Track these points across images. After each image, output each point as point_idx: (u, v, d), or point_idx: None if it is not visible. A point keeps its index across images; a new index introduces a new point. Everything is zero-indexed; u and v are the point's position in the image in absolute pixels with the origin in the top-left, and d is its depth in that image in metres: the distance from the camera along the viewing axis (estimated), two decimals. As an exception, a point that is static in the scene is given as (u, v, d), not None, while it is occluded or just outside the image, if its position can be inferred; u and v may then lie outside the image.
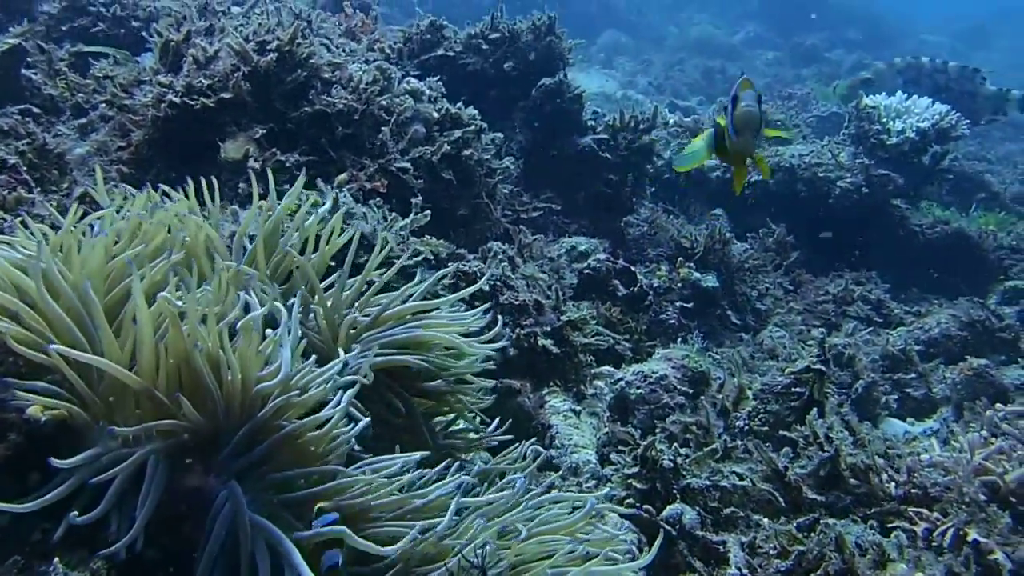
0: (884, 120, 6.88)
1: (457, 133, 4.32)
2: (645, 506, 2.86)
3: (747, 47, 18.78)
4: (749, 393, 3.60)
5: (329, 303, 2.36)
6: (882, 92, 7.46)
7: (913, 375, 4.89)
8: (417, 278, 2.56)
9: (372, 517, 1.88)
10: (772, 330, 5.31)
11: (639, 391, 3.76)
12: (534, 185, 5.75)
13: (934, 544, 2.71)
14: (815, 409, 3.25)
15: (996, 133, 12.50)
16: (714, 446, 3.13)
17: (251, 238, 2.42)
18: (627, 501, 2.91)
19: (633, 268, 4.90)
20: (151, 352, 1.75)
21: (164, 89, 3.65)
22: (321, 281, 2.42)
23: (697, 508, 2.88)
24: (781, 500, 2.95)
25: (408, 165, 3.97)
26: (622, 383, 3.81)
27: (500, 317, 2.72)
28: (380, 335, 2.35)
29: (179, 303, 1.79)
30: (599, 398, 3.89)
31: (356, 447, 1.96)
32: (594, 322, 4.15)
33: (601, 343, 4.08)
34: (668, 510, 2.86)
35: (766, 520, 2.87)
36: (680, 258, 5.41)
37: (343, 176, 3.64)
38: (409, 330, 2.38)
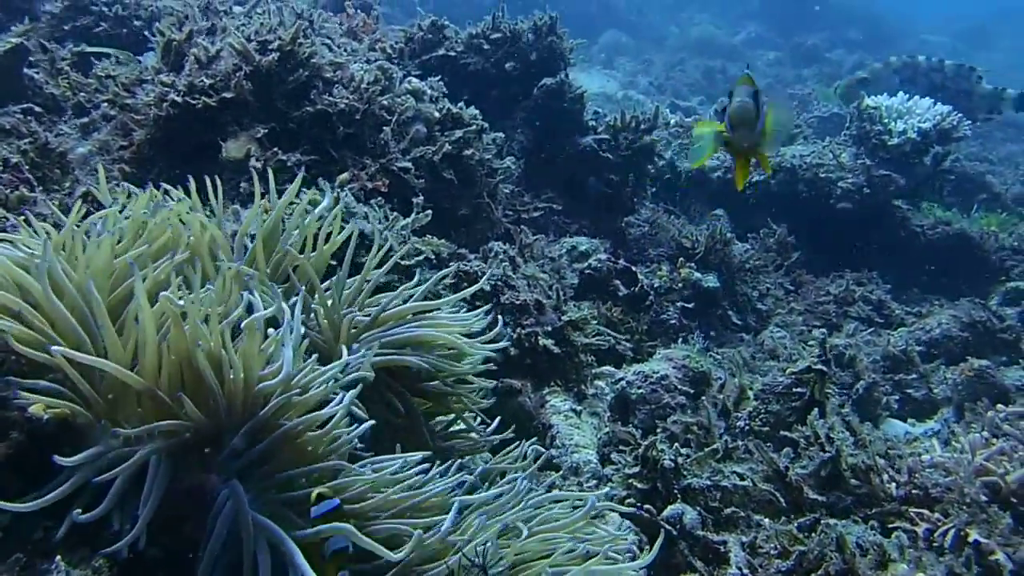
0: (886, 121, 6.88)
1: (458, 133, 4.32)
2: (646, 506, 2.86)
3: (748, 47, 18.77)
4: (750, 393, 3.60)
5: (329, 302, 2.36)
6: (879, 91, 7.46)
7: (914, 376, 4.89)
8: (416, 278, 2.56)
9: (372, 515, 1.88)
10: (773, 330, 5.31)
11: (640, 391, 3.76)
12: (535, 185, 5.75)
13: (935, 545, 2.71)
14: (816, 409, 3.26)
15: (998, 134, 12.50)
16: (715, 446, 3.13)
17: (252, 237, 2.42)
18: (628, 501, 2.91)
19: (634, 268, 4.90)
20: (153, 352, 1.75)
21: (166, 88, 3.66)
22: (323, 279, 2.43)
23: (698, 508, 2.89)
24: (782, 500, 2.96)
25: (409, 165, 3.98)
26: (623, 383, 3.81)
27: (501, 317, 2.72)
28: (381, 334, 2.35)
29: (180, 303, 1.79)
30: (600, 398, 3.89)
31: (359, 444, 1.96)
32: (595, 322, 4.15)
33: (602, 343, 4.08)
34: (669, 510, 2.86)
35: (767, 520, 2.88)
36: (681, 258, 5.42)
37: (345, 176, 3.64)
38: (410, 330, 2.38)
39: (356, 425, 1.96)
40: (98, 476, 1.67)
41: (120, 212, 2.24)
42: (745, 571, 2.66)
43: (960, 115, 7.02)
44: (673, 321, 4.98)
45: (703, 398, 3.65)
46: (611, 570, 2.00)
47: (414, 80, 4.47)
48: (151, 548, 1.67)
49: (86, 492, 1.68)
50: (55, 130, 3.74)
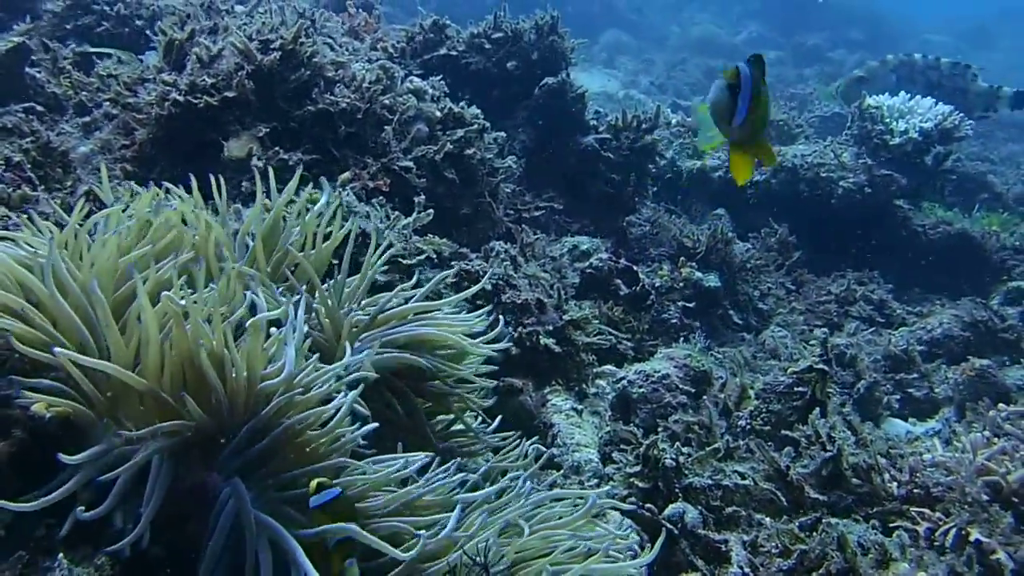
0: (887, 120, 6.88)
1: (460, 132, 4.32)
2: (647, 505, 2.87)
3: (749, 47, 18.72)
4: (751, 393, 3.60)
5: (330, 301, 2.36)
6: (876, 90, 7.46)
7: (915, 375, 4.89)
8: (415, 278, 2.56)
9: (374, 514, 1.88)
10: (774, 330, 5.31)
11: (641, 390, 3.76)
12: (536, 184, 5.75)
13: (936, 544, 2.72)
14: (817, 409, 3.25)
15: (999, 133, 12.49)
16: (716, 445, 3.13)
17: (253, 236, 2.43)
18: (629, 500, 2.91)
19: (635, 267, 4.91)
20: (156, 352, 1.75)
21: (168, 87, 3.66)
22: (324, 278, 2.43)
23: (699, 507, 2.89)
24: (783, 499, 2.96)
25: (411, 164, 3.98)
26: (624, 382, 3.82)
27: (502, 317, 2.72)
28: (383, 333, 2.35)
29: (182, 302, 1.79)
30: (601, 397, 3.89)
31: (362, 441, 1.96)
32: (596, 321, 4.14)
33: (603, 342, 4.08)
34: (670, 509, 2.86)
35: (768, 519, 2.88)
36: (682, 258, 5.42)
37: (346, 175, 3.64)
38: (412, 329, 2.38)
39: (359, 424, 1.96)
40: (101, 475, 1.67)
41: (123, 211, 2.24)
42: (746, 570, 2.66)
43: (962, 115, 7.02)
44: (674, 320, 4.99)
45: (704, 397, 3.65)
46: (612, 568, 2.01)
47: (416, 79, 4.47)
48: (153, 546, 1.67)
49: (88, 490, 1.68)
50: (57, 129, 3.75)
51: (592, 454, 3.42)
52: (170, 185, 2.49)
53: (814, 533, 2.70)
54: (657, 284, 5.10)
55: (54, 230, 1.99)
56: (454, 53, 5.89)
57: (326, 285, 2.37)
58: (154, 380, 1.76)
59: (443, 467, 2.09)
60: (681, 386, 3.78)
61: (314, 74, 3.87)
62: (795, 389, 3.46)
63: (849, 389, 4.52)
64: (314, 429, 1.87)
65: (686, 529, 2.80)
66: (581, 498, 2.20)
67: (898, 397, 4.78)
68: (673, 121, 7.59)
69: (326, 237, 2.51)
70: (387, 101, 4.10)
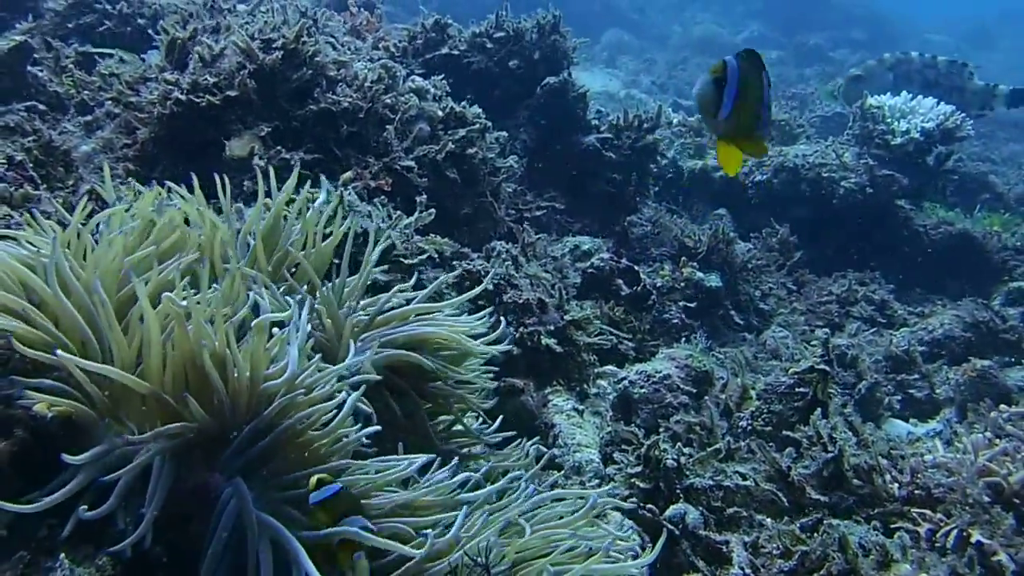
0: (889, 120, 6.87)
1: (461, 132, 4.32)
2: (648, 505, 2.87)
3: (751, 46, 18.69)
4: (752, 393, 3.60)
5: (333, 301, 2.36)
6: (874, 88, 7.46)
7: (916, 376, 4.89)
8: (414, 278, 2.56)
9: (375, 514, 1.88)
10: (775, 330, 5.30)
11: (642, 390, 3.76)
12: (538, 184, 5.75)
13: (938, 545, 2.71)
14: (819, 409, 3.25)
15: (1000, 133, 12.48)
16: (717, 446, 3.13)
17: (254, 236, 2.43)
18: (630, 500, 2.91)
19: (636, 267, 4.90)
20: (158, 355, 1.75)
21: (170, 86, 3.66)
22: (326, 276, 2.43)
23: (700, 508, 2.89)
24: (784, 500, 2.95)
25: (412, 163, 3.98)
26: (625, 382, 3.81)
27: (504, 318, 2.72)
28: (384, 333, 2.35)
29: (183, 303, 1.79)
30: (602, 397, 3.89)
31: (366, 441, 1.96)
32: (597, 321, 4.14)
33: (604, 342, 4.08)
34: (671, 510, 2.86)
35: (769, 520, 2.87)
36: (683, 258, 5.41)
37: (348, 174, 3.64)
38: (414, 328, 2.38)
39: (361, 424, 1.96)
40: (103, 475, 1.67)
41: (126, 211, 2.24)
42: (748, 571, 2.66)
43: (963, 115, 7.01)
44: (675, 320, 4.98)
45: (706, 398, 3.65)
46: (613, 568, 2.00)
47: (417, 79, 4.47)
48: (155, 546, 1.67)
49: (90, 490, 1.68)
50: (59, 128, 3.75)
51: (593, 454, 3.42)
52: (172, 184, 2.49)
53: (815, 534, 2.69)
54: (658, 284, 5.10)
55: (57, 229, 1.99)
56: (456, 52, 5.89)
57: (328, 285, 2.37)
58: (156, 382, 1.75)
59: (444, 468, 2.09)
60: (682, 386, 3.78)
61: (316, 73, 3.87)
62: (796, 390, 3.46)
63: (850, 390, 4.52)
64: (316, 429, 1.87)
65: (687, 530, 2.80)
66: (582, 498, 2.20)
67: (899, 398, 4.77)
68: (674, 121, 7.59)
69: (326, 236, 2.51)
70: (389, 100, 4.10)
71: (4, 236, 2.07)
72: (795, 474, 3.00)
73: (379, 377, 2.17)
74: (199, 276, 1.97)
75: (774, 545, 2.72)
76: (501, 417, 2.62)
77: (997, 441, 3.08)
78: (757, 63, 2.16)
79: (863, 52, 16.95)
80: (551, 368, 3.66)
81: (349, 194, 3.33)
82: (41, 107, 3.91)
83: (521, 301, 3.60)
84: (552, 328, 3.65)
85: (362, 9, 6.59)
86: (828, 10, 20.51)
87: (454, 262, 3.59)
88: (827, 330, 5.24)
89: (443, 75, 4.77)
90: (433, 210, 3.68)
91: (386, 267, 2.90)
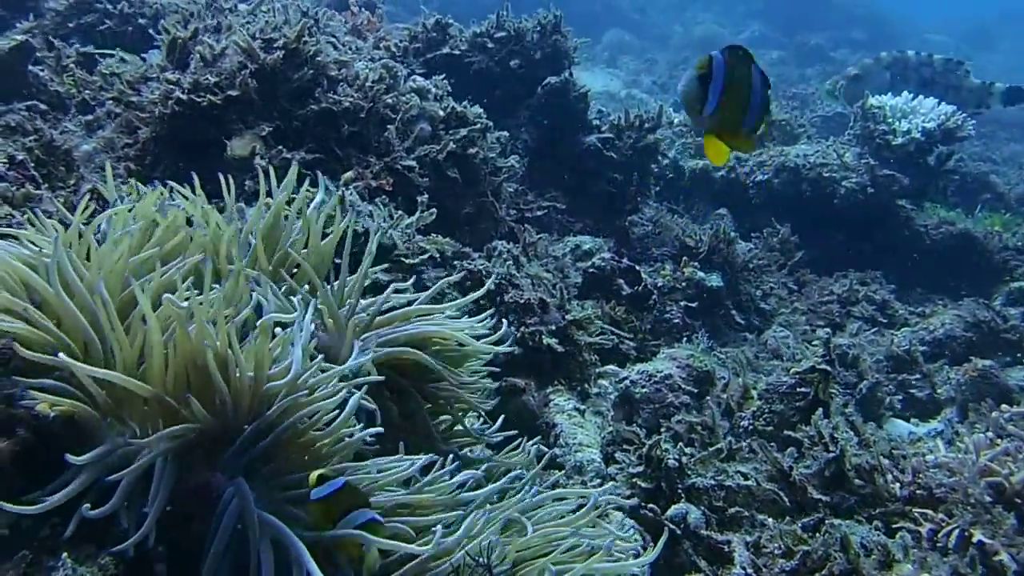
0: (890, 120, 6.87)
1: (463, 131, 4.32)
2: (650, 505, 2.86)
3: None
4: (754, 393, 3.60)
5: (334, 301, 2.35)
6: (871, 87, 7.46)
7: (918, 376, 4.89)
8: (412, 279, 2.56)
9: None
10: (776, 330, 5.30)
11: (644, 390, 3.76)
12: (539, 184, 5.75)
13: (939, 545, 2.71)
14: (820, 409, 3.25)
15: (1001, 134, 12.49)
16: (719, 446, 3.13)
17: (255, 234, 2.42)
18: (632, 500, 2.91)
19: (638, 267, 4.90)
20: (159, 356, 1.75)
21: (171, 86, 3.66)
22: (327, 275, 2.43)
23: (702, 508, 2.88)
24: (786, 500, 2.95)
25: (414, 163, 3.98)
26: (627, 382, 3.81)
27: (505, 318, 2.72)
28: (387, 332, 2.35)
29: (184, 304, 1.79)
30: (604, 397, 3.89)
31: (369, 438, 1.96)
32: (599, 321, 4.14)
33: (606, 342, 4.08)
34: (673, 509, 2.86)
35: (771, 520, 2.87)
36: (684, 257, 5.41)
37: (349, 174, 3.64)
38: (416, 327, 2.38)
39: (364, 424, 1.96)
40: (105, 475, 1.67)
41: (129, 211, 2.23)
42: (749, 571, 2.66)
43: (965, 115, 7.01)
44: (676, 320, 4.98)
45: (707, 398, 3.65)
46: (614, 567, 2.00)
47: (419, 78, 4.47)
48: (157, 545, 1.67)
49: (92, 489, 1.68)
50: (60, 127, 3.75)
51: (595, 454, 3.42)
52: (175, 184, 2.49)
53: (817, 534, 2.69)
54: (659, 284, 5.10)
55: (59, 228, 1.99)
56: (457, 52, 5.89)
57: (329, 286, 2.37)
58: (158, 384, 1.75)
59: (446, 468, 2.09)
60: (684, 386, 3.78)
61: (317, 73, 3.87)
62: (798, 389, 3.46)
63: (851, 389, 4.52)
64: (318, 429, 1.87)
65: (689, 530, 2.80)
66: (583, 497, 2.20)
67: (900, 398, 4.77)
68: (675, 120, 7.58)
69: (325, 235, 2.51)
70: (390, 100, 4.10)
71: (6, 235, 2.07)
72: (797, 474, 3.00)
73: (381, 378, 2.17)
74: (202, 276, 1.97)
75: (776, 545, 2.72)
76: (503, 417, 2.62)
77: (999, 441, 3.08)
78: (745, 58, 2.14)
79: (863, 52, 16.91)
80: (552, 368, 3.66)
81: (351, 194, 3.33)
82: (42, 106, 3.91)
83: (522, 301, 3.60)
84: (553, 328, 3.65)
85: (363, 9, 6.60)
86: (829, 10, 20.51)
87: (455, 262, 3.59)
88: (828, 330, 5.23)
89: (444, 75, 4.77)
90: (434, 210, 3.68)
91: (386, 266, 2.90)
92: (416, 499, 1.96)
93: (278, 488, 1.84)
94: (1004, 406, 3.44)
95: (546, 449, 2.60)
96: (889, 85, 7.68)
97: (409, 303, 2.46)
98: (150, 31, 4.58)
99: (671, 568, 2.73)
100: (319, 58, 3.87)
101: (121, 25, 5.17)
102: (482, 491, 2.08)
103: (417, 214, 3.52)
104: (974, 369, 4.65)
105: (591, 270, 4.77)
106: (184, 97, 3.62)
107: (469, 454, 2.51)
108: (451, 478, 2.05)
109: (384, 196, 3.61)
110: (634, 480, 3.01)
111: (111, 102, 3.89)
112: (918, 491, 2.95)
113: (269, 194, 2.56)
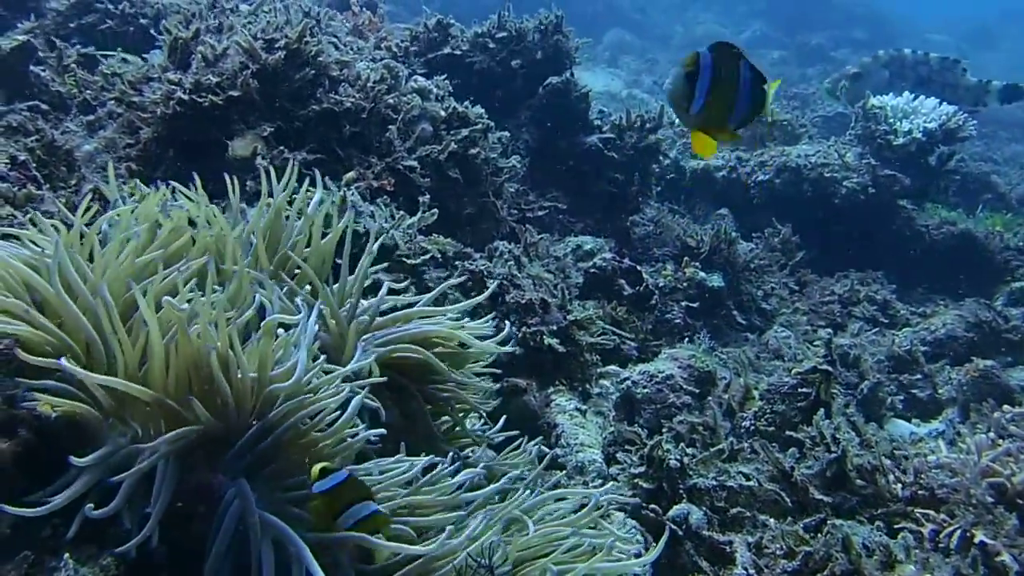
0: (891, 120, 6.87)
1: (464, 132, 4.32)
2: (652, 505, 2.86)
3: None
4: (755, 393, 3.60)
5: (334, 302, 2.35)
6: (869, 86, 7.47)
7: (919, 376, 4.88)
8: (408, 280, 2.56)
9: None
10: (777, 330, 5.30)
11: (645, 390, 3.76)
12: (540, 184, 5.74)
13: (941, 546, 2.71)
14: (821, 409, 3.25)
15: (1002, 133, 12.48)
16: (721, 446, 3.13)
17: (256, 234, 2.42)
18: (633, 500, 2.91)
19: (639, 267, 4.90)
20: (161, 359, 1.75)
21: (173, 86, 3.66)
22: (327, 274, 2.43)
23: (704, 508, 2.89)
24: (788, 500, 2.95)
25: (415, 163, 3.98)
26: (628, 382, 3.81)
27: (507, 318, 2.72)
28: (388, 333, 2.35)
29: (185, 307, 1.78)
30: (605, 397, 3.89)
31: (374, 438, 1.96)
32: (600, 321, 4.14)
33: (607, 342, 4.08)
34: (675, 510, 2.86)
35: (773, 520, 2.87)
36: (686, 258, 5.41)
37: (351, 174, 3.64)
38: (418, 327, 2.38)
39: (367, 424, 1.96)
40: (109, 477, 1.67)
41: (132, 212, 2.23)
42: (751, 571, 2.66)
43: (965, 115, 7.01)
44: (678, 320, 4.98)
45: (709, 398, 3.65)
46: (616, 566, 2.00)
47: (420, 79, 4.47)
48: (158, 546, 1.67)
49: (94, 490, 1.68)
50: (61, 128, 3.75)
51: (596, 454, 3.42)
52: (178, 185, 2.49)
53: (819, 534, 2.69)
54: (661, 284, 5.10)
55: (61, 229, 1.99)
56: (458, 52, 5.88)
57: (331, 287, 2.37)
58: (159, 387, 1.75)
59: (447, 469, 2.09)
60: (685, 387, 3.78)
61: (319, 73, 3.87)
62: (799, 390, 3.46)
63: (853, 390, 4.52)
64: (320, 430, 1.87)
65: (690, 530, 2.80)
66: (584, 497, 2.20)
67: (902, 398, 4.77)
68: (676, 121, 7.58)
69: (325, 234, 2.50)
70: (391, 100, 4.09)
71: (8, 236, 2.06)
72: (798, 474, 3.00)
73: (384, 379, 2.17)
74: (205, 278, 1.97)
75: (778, 545, 2.72)
76: (504, 417, 2.62)
77: (1000, 441, 3.08)
78: (733, 55, 2.13)
79: (864, 52, 16.90)
80: (554, 368, 3.66)
81: (352, 194, 3.33)
82: (44, 107, 3.91)
83: (524, 301, 3.60)
84: (555, 328, 3.65)
85: (364, 9, 6.60)
86: (829, 10, 20.52)
87: (457, 262, 3.59)
88: (830, 330, 5.23)
89: (445, 75, 4.77)
90: (436, 210, 3.68)
91: (387, 265, 2.90)
92: (417, 500, 1.96)
93: (280, 489, 1.84)
94: (1005, 406, 3.45)
95: (547, 449, 2.60)
96: (887, 83, 7.68)
97: (411, 305, 2.46)
98: (152, 31, 4.58)
99: (673, 568, 2.73)
100: (321, 58, 3.87)
101: (122, 25, 5.17)
102: (483, 491, 2.08)
103: (419, 214, 3.52)
104: (975, 369, 4.64)
105: (592, 270, 4.77)
106: (186, 97, 3.62)
107: (470, 455, 2.51)
108: (452, 478, 2.05)
109: (386, 196, 3.61)
110: (636, 480, 3.01)
111: (113, 102, 3.89)
112: (920, 492, 2.95)
113: (271, 194, 2.56)
